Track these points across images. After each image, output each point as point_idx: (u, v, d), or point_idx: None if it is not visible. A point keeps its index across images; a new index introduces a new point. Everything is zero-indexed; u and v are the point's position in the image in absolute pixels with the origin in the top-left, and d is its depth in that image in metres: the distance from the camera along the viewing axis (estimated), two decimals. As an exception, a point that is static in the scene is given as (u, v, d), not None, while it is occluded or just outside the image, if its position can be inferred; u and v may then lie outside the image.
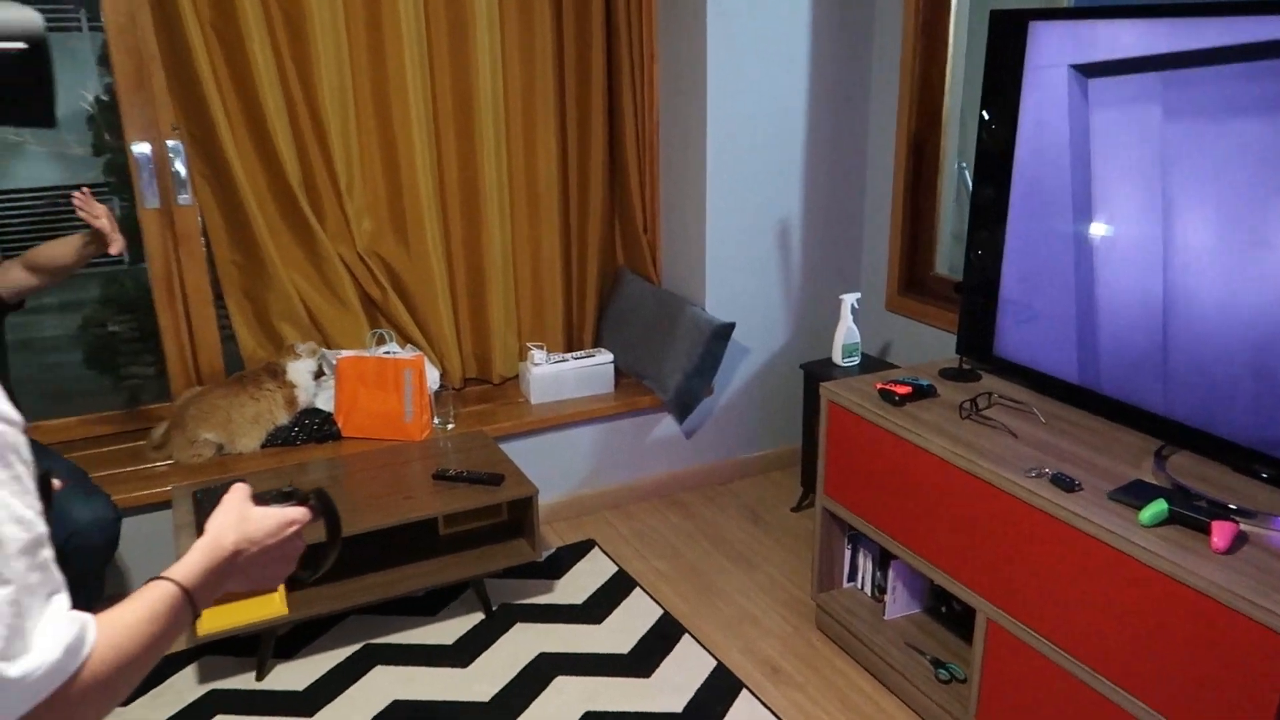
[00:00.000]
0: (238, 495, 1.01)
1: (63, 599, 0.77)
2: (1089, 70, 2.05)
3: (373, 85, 2.91)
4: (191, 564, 0.93)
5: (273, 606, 2.33)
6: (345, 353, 2.92)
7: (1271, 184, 1.72)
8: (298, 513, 1.04)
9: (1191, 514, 1.66)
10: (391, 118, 2.93)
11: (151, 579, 0.90)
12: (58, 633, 0.75)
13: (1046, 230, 2.21)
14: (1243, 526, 1.67)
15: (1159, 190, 1.93)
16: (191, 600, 0.90)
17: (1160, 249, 1.94)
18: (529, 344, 3.28)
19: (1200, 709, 1.58)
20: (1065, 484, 1.83)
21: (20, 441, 0.77)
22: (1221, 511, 1.68)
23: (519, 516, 2.72)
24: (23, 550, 0.73)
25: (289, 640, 2.54)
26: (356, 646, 2.52)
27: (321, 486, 1.06)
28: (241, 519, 0.98)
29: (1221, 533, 1.60)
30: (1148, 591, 1.64)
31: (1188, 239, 1.88)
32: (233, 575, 0.96)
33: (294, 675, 2.41)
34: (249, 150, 2.80)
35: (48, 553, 0.77)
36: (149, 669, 0.85)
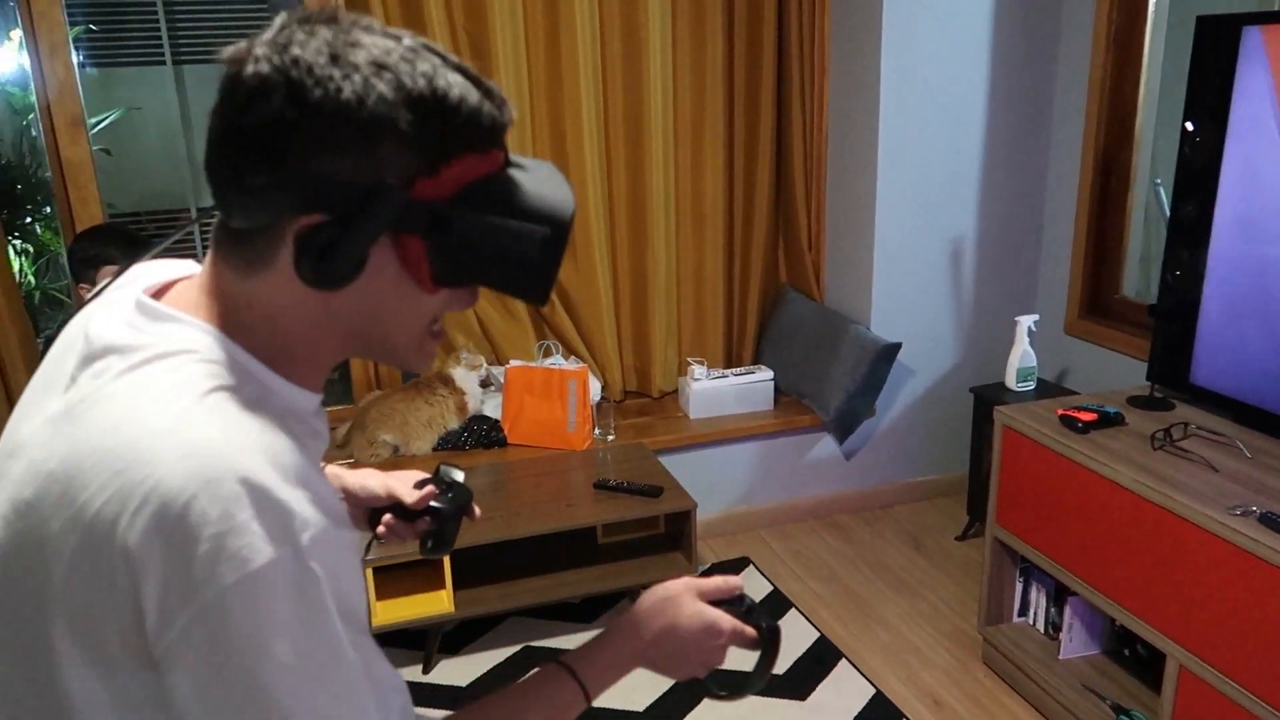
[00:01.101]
0: (685, 585, 0.98)
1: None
2: (1310, 77, 1.89)
3: (549, 105, 3.00)
4: (602, 659, 0.93)
5: (440, 604, 2.43)
6: (513, 363, 3.02)
7: None
8: (734, 626, 0.97)
9: None
10: (565, 136, 3.02)
11: (556, 664, 0.91)
12: None
13: (1260, 250, 2.04)
14: None
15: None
16: (587, 695, 0.91)
17: (1393, 271, 1.76)
18: (689, 359, 3.29)
19: None
20: (1275, 523, 1.68)
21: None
22: None
23: (676, 529, 2.73)
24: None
25: (454, 637, 2.63)
26: (516, 648, 2.58)
27: (778, 624, 1.01)
28: (677, 611, 0.95)
29: None
30: (1375, 647, 1.48)
31: None
32: (640, 662, 0.95)
33: (458, 670, 2.49)
34: (432, 166, 2.94)
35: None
36: None
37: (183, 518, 0.64)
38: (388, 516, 1.11)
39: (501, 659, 2.53)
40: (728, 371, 3.22)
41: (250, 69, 0.70)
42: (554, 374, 2.92)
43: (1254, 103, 2.02)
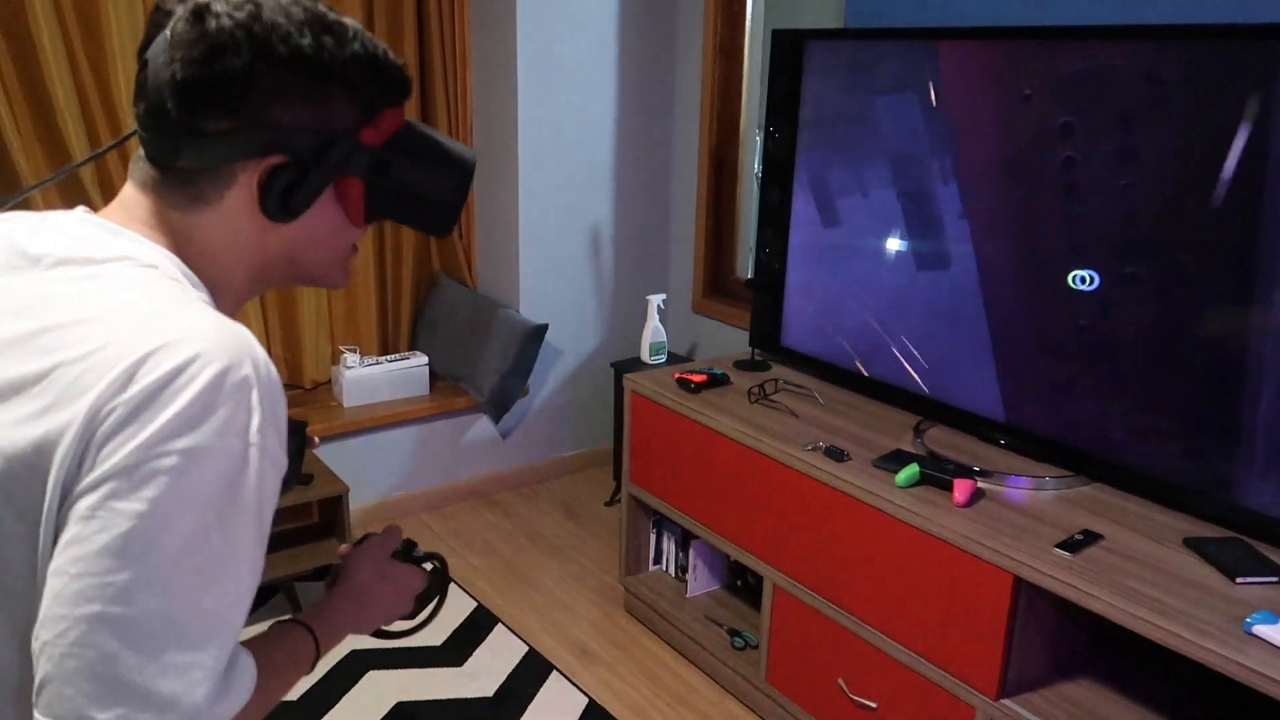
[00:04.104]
0: (376, 546, 1.04)
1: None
2: (852, 81, 2.28)
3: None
4: (332, 619, 0.95)
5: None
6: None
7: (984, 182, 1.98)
8: (415, 574, 1.05)
9: (938, 474, 1.88)
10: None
11: (295, 621, 0.91)
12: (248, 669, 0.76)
13: (820, 231, 2.42)
14: (980, 484, 1.90)
15: (900, 191, 2.17)
16: (318, 650, 0.92)
17: (906, 244, 2.18)
18: (342, 347, 3.26)
19: (948, 644, 1.79)
20: (836, 455, 2.02)
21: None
22: (964, 472, 1.91)
23: (330, 517, 2.71)
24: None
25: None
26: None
27: (442, 555, 1.08)
28: (380, 572, 1.02)
29: (961, 489, 1.82)
30: (902, 544, 1.84)
31: (925, 232, 2.13)
32: (355, 621, 0.98)
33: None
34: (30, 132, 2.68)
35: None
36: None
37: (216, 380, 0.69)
38: None
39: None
40: (382, 358, 3.23)
41: (213, 24, 0.75)
42: (190, 366, 2.77)
43: (813, 106, 2.39)
